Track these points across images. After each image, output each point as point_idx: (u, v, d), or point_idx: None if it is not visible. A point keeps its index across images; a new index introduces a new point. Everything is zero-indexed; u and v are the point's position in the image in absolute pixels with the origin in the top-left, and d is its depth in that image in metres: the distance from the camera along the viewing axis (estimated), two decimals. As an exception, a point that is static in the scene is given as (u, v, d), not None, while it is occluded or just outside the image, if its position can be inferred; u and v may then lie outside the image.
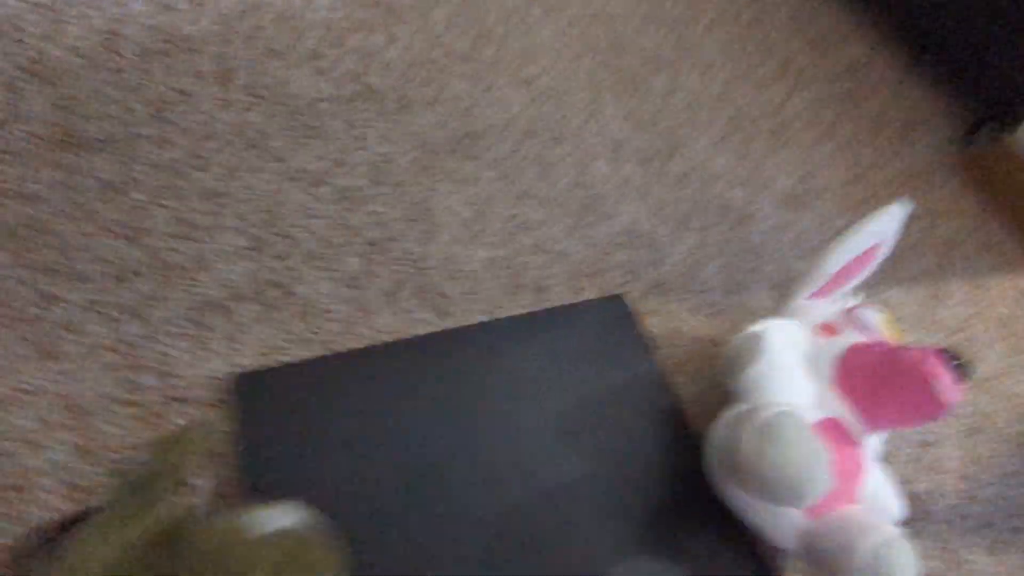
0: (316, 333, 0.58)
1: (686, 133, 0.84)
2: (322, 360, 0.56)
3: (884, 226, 0.57)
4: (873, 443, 0.53)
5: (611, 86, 0.87)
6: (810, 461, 0.46)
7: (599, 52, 0.91)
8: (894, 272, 0.76)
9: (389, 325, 0.60)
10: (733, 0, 1.03)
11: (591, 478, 0.53)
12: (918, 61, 1.01)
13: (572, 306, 0.64)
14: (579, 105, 0.84)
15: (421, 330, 0.60)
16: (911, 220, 0.81)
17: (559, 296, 0.65)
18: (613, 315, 0.64)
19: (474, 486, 0.51)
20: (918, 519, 0.58)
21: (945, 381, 0.46)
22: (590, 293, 0.66)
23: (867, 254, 0.59)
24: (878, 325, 0.59)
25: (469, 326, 0.61)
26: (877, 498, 0.51)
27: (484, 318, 0.62)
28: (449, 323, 0.61)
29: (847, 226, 0.76)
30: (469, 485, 0.51)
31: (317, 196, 0.67)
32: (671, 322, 0.66)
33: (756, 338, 0.54)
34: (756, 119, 0.88)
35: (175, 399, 0.52)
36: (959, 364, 0.49)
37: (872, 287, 0.74)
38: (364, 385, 0.55)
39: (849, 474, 0.50)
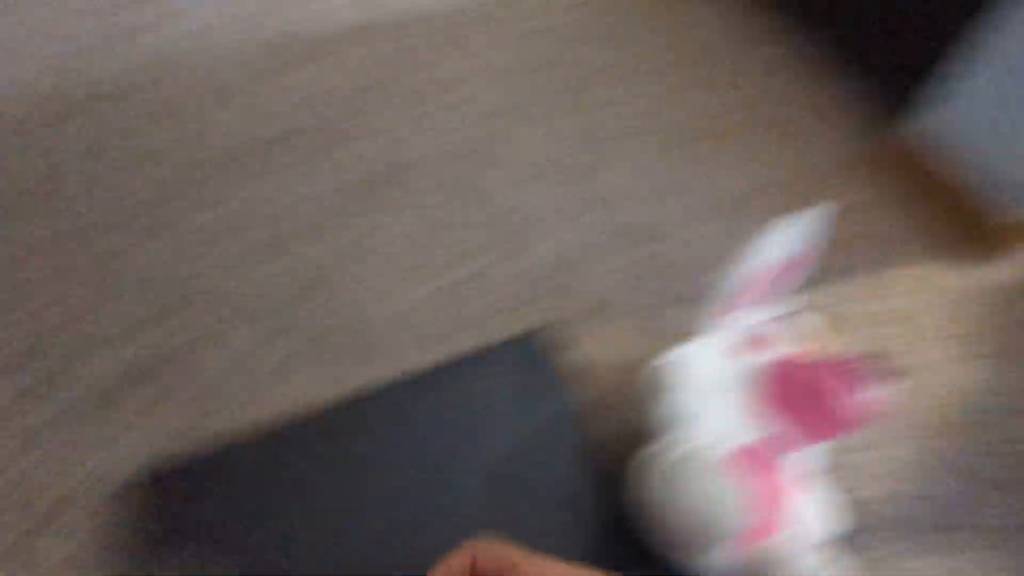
0: (219, 411, 0.58)
1: (617, 148, 0.86)
2: (234, 441, 0.55)
3: (794, 234, 0.52)
4: (804, 461, 0.51)
5: (543, 106, 0.88)
6: (714, 505, 0.46)
7: (531, 71, 0.92)
8: (823, 271, 0.79)
9: (312, 382, 0.60)
10: (655, 15, 1.05)
11: (516, 524, 0.54)
12: (833, 60, 1.04)
13: (487, 349, 0.65)
14: (508, 127, 0.85)
15: (350, 384, 0.60)
16: (833, 217, 0.84)
17: (493, 331, 0.66)
18: (528, 354, 0.65)
19: (398, 544, 0.52)
20: (864, 529, 0.59)
21: (843, 397, 0.43)
22: (515, 330, 0.67)
23: (788, 263, 0.55)
24: (813, 332, 0.58)
25: (381, 386, 0.61)
26: (804, 522, 0.49)
27: (420, 358, 0.62)
28: (375, 372, 0.61)
29: (761, 233, 0.78)
30: (394, 544, 0.52)
31: (227, 253, 0.66)
32: (594, 351, 0.67)
33: (663, 371, 0.52)
34: (684, 127, 0.90)
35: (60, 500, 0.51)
36: (881, 371, 0.44)
37: (805, 289, 0.76)
38: (278, 458, 0.55)
39: (770, 503, 0.48)
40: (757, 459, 0.48)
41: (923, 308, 0.77)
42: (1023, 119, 0.75)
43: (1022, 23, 0.74)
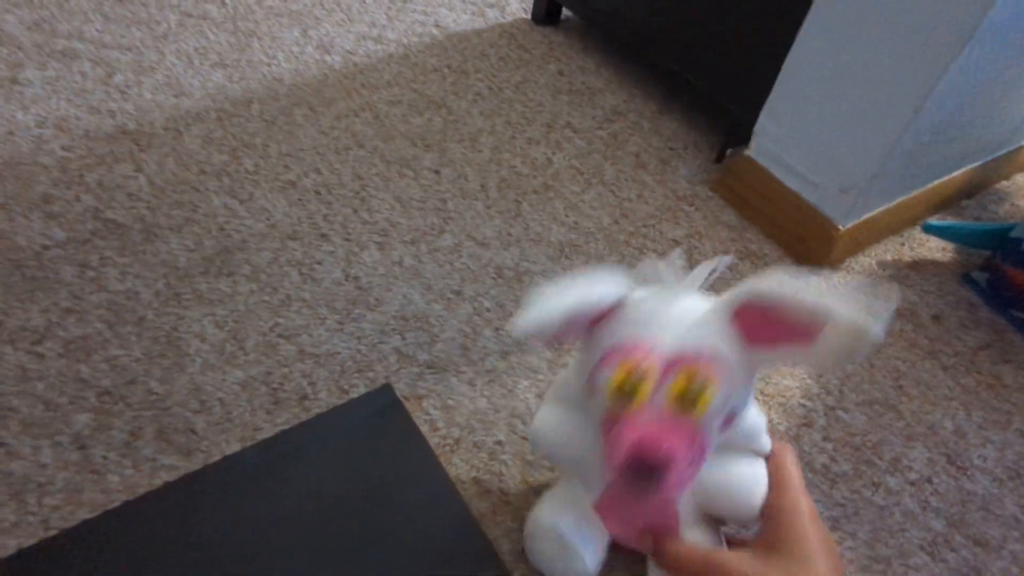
0: (35, 512, 0.52)
1: (455, 206, 0.85)
2: (49, 542, 0.50)
3: (611, 282, 0.42)
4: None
5: (378, 173, 0.88)
6: (567, 567, 0.48)
7: (365, 144, 0.92)
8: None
9: (128, 481, 0.55)
10: (496, 74, 1.09)
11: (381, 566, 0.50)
12: (668, 102, 1.10)
13: (336, 409, 0.61)
14: (346, 198, 0.84)
15: (166, 477, 0.55)
16: (676, 245, 0.85)
17: (325, 401, 0.62)
18: (382, 408, 0.61)
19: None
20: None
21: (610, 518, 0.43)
22: (361, 389, 0.64)
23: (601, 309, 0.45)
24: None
25: (221, 460, 0.56)
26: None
27: (240, 446, 0.58)
28: (199, 462, 0.56)
29: (616, 264, 0.79)
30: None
31: (40, 354, 0.61)
32: (448, 399, 0.65)
33: (533, 434, 0.49)
34: (525, 178, 0.91)
35: None
36: (648, 471, 0.36)
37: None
38: (101, 557, 0.49)
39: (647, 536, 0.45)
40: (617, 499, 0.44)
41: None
42: (833, 134, 0.79)
43: (820, 42, 0.79)
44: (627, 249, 0.84)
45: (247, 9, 1.13)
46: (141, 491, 0.54)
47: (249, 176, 0.84)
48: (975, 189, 1.02)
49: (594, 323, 0.41)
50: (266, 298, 0.71)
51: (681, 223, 0.89)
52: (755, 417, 0.45)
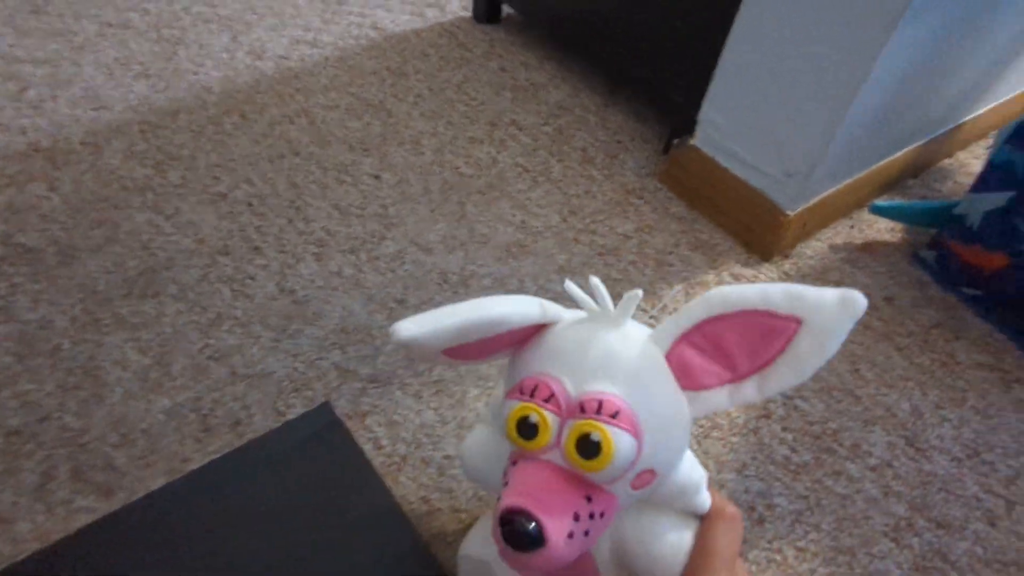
0: None
1: (397, 211, 0.82)
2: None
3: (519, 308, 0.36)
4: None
5: (315, 180, 0.84)
6: None
7: (300, 151, 0.88)
8: (618, 289, 0.77)
9: (41, 528, 0.50)
10: (437, 74, 1.06)
11: None
12: (613, 95, 1.08)
13: (271, 433, 0.57)
14: (280, 208, 0.79)
15: (84, 520, 0.51)
16: (626, 239, 0.83)
17: (260, 425, 0.59)
18: (320, 429, 0.58)
19: None
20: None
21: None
22: (299, 409, 0.60)
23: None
24: None
25: (144, 497, 0.52)
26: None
27: (166, 480, 0.53)
28: (120, 501, 0.52)
29: (567, 262, 0.76)
30: None
31: None
32: (393, 414, 0.61)
33: (461, 457, 0.46)
34: (470, 179, 0.88)
35: None
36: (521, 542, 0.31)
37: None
38: None
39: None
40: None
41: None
42: (775, 120, 0.78)
43: (756, 29, 0.78)
44: (577, 246, 0.82)
45: (172, 16, 1.08)
46: (55, 538, 0.49)
47: (175, 190, 0.79)
48: (919, 168, 1.02)
49: (517, 344, 0.37)
50: (195, 318, 0.66)
51: (631, 217, 0.87)
52: (689, 473, 0.38)
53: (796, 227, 0.83)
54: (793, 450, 0.64)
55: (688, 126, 0.90)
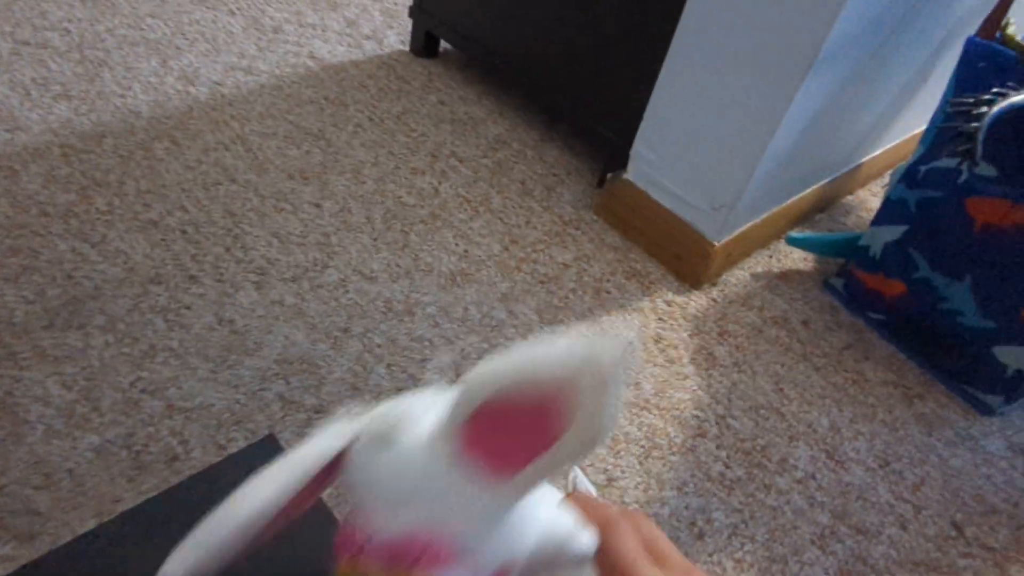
0: None
1: (340, 239, 0.82)
2: None
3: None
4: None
5: (253, 208, 0.82)
6: None
7: (237, 178, 0.86)
8: (560, 317, 0.79)
9: (-51, 579, 0.46)
10: (376, 105, 1.07)
11: None
12: (549, 131, 1.13)
13: (211, 468, 0.55)
14: (217, 236, 0.77)
15: (3, 570, 0.47)
16: (565, 268, 0.86)
17: (199, 460, 0.56)
18: (266, 459, 0.56)
19: None
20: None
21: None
22: (240, 443, 0.58)
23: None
24: None
25: (70, 541, 0.48)
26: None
27: (96, 522, 0.50)
28: (44, 547, 0.48)
29: (509, 290, 0.78)
30: None
31: None
32: (341, 445, 0.60)
33: None
34: (412, 208, 0.89)
35: None
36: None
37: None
38: None
39: None
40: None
41: (637, 341, 0.80)
42: (701, 156, 0.84)
43: (681, 74, 0.84)
44: (519, 275, 0.84)
45: (95, 37, 1.04)
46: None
47: (102, 217, 0.76)
48: (826, 204, 1.12)
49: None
50: (125, 350, 0.63)
51: (569, 247, 0.90)
52: (548, 535, 0.33)
53: (722, 257, 0.89)
54: (727, 466, 0.68)
55: (621, 161, 0.95)
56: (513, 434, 0.28)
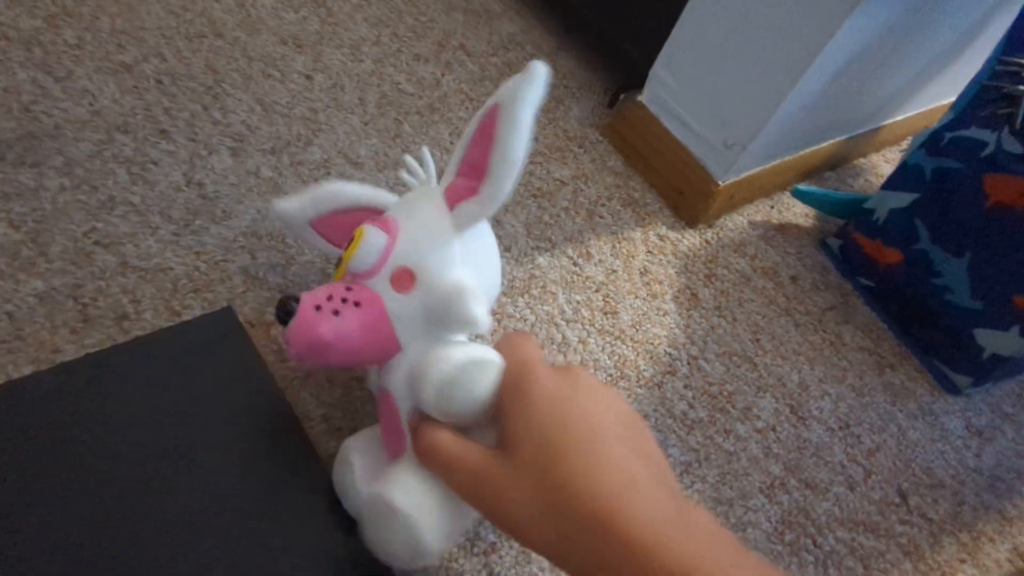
0: None
1: (327, 117, 0.76)
2: None
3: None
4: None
5: (238, 69, 0.76)
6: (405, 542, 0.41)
7: (224, 34, 0.79)
8: (548, 234, 0.76)
9: None
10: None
11: (214, 523, 0.44)
12: (566, 38, 1.05)
13: (163, 331, 0.52)
14: (195, 92, 0.72)
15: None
16: (562, 185, 0.83)
17: (150, 322, 0.53)
18: (220, 333, 0.54)
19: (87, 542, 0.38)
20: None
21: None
22: (196, 311, 0.55)
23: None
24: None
25: (4, 384, 0.46)
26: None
27: (32, 370, 0.48)
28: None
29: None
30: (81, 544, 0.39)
31: None
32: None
33: None
34: (409, 97, 0.83)
35: None
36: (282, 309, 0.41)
37: (523, 256, 0.73)
38: None
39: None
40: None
41: (620, 271, 0.78)
42: (723, 88, 0.79)
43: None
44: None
45: None
46: None
47: (69, 50, 0.69)
48: (838, 162, 1.08)
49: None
50: (82, 197, 0.59)
51: (568, 164, 0.86)
52: (458, 280, 0.41)
53: (724, 198, 0.85)
54: (691, 406, 0.67)
55: (638, 82, 0.89)
56: (472, 175, 0.42)
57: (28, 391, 0.46)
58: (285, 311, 0.41)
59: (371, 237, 0.41)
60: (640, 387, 0.67)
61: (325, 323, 0.39)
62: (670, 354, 0.71)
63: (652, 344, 0.71)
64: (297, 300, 0.40)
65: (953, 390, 0.81)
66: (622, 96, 0.96)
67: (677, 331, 0.73)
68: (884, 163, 1.15)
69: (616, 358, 0.68)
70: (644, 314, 0.73)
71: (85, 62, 0.69)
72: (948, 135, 0.76)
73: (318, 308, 0.40)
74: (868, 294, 0.88)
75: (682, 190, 0.86)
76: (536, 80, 0.38)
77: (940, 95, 1.12)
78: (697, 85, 0.81)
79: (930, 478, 0.71)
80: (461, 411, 0.38)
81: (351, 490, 0.45)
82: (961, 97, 0.76)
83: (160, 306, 0.55)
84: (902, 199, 0.81)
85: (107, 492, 0.43)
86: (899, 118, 1.11)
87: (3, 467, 0.42)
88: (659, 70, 0.85)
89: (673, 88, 0.84)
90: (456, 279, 0.41)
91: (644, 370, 0.68)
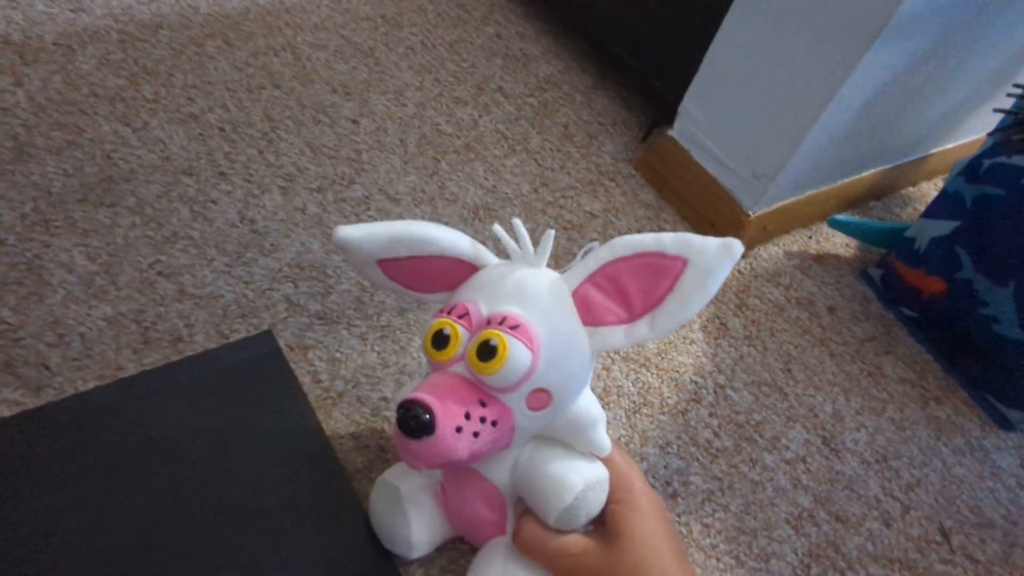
0: None
1: (371, 158, 0.82)
2: None
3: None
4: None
5: (292, 116, 0.83)
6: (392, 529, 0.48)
7: (281, 85, 0.87)
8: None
9: (-36, 411, 0.50)
10: (431, 30, 1.05)
11: (247, 531, 0.48)
12: (603, 77, 1.09)
13: (209, 352, 0.58)
14: (252, 138, 0.79)
15: (7, 412, 0.51)
16: (592, 218, 0.85)
17: (201, 344, 0.59)
18: (260, 355, 0.59)
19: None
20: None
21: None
22: (242, 335, 0.61)
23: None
24: None
25: (70, 396, 0.52)
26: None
27: (97, 385, 0.54)
28: (48, 399, 0.52)
29: (530, 231, 0.77)
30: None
31: None
32: (336, 351, 0.62)
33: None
34: (448, 137, 0.89)
35: None
36: (412, 428, 0.35)
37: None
38: None
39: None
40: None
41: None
42: (750, 120, 0.80)
43: (741, 33, 0.79)
44: (543, 217, 0.83)
45: (166, -71, 1.04)
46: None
47: (147, 104, 0.78)
48: (884, 191, 1.06)
49: (451, 285, 0.42)
50: (149, 233, 0.66)
51: (600, 197, 0.88)
52: (589, 407, 0.41)
53: (756, 229, 0.86)
54: (716, 435, 0.67)
55: (669, 116, 0.91)
56: (615, 296, 0.38)
57: (92, 403, 0.52)
58: (419, 424, 0.34)
59: (518, 354, 0.35)
60: (663, 414, 0.67)
61: (466, 447, 0.36)
62: (696, 382, 0.71)
63: (678, 372, 0.72)
64: (429, 413, 0.34)
65: (1006, 425, 0.77)
66: (654, 131, 0.99)
67: (704, 359, 0.74)
68: (934, 191, 1.11)
69: (640, 385, 0.69)
70: (670, 342, 0.74)
71: (159, 114, 0.78)
72: (987, 162, 0.74)
73: (459, 430, 0.35)
74: (912, 325, 0.85)
75: (713, 222, 0.87)
76: (734, 257, 0.35)
77: (991, 123, 1.09)
78: (725, 119, 0.83)
79: (977, 517, 0.68)
80: (579, 527, 0.42)
81: (403, 543, 0.48)
82: (999, 124, 0.74)
83: (211, 330, 0.60)
84: (943, 227, 0.79)
85: (153, 495, 0.48)
86: (949, 146, 1.08)
87: (66, 470, 0.48)
88: (688, 104, 0.87)
89: (702, 122, 0.86)
90: (587, 407, 0.41)
91: (668, 397, 0.69)
